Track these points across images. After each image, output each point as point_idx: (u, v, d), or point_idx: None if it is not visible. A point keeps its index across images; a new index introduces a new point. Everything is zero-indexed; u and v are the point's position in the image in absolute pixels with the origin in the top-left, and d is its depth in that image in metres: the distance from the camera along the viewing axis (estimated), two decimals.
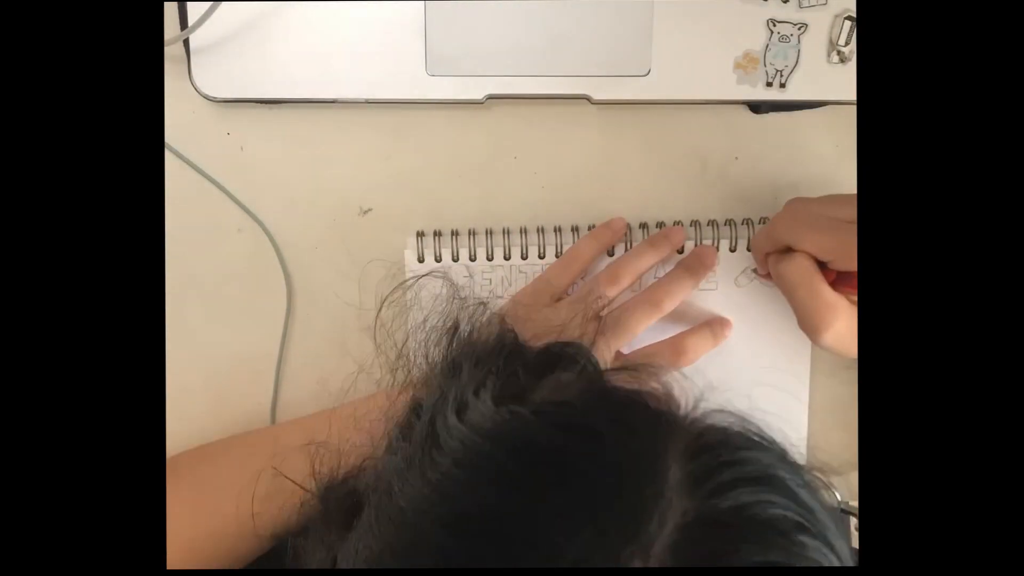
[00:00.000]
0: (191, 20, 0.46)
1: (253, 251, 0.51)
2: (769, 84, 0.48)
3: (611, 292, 0.48)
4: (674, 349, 0.48)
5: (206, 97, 0.48)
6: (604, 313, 0.48)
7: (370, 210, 0.51)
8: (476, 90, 0.48)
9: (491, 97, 0.48)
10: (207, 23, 0.46)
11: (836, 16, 0.48)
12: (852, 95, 0.48)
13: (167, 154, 0.49)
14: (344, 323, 0.52)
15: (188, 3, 0.46)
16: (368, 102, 0.49)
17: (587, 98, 0.48)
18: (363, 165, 0.51)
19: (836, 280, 0.44)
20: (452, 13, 0.47)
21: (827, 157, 0.51)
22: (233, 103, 0.49)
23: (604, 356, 0.47)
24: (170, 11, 0.47)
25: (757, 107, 0.50)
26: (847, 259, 0.42)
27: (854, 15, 0.47)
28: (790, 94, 0.48)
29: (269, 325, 0.52)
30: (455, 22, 0.47)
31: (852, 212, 0.42)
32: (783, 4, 0.47)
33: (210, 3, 0.45)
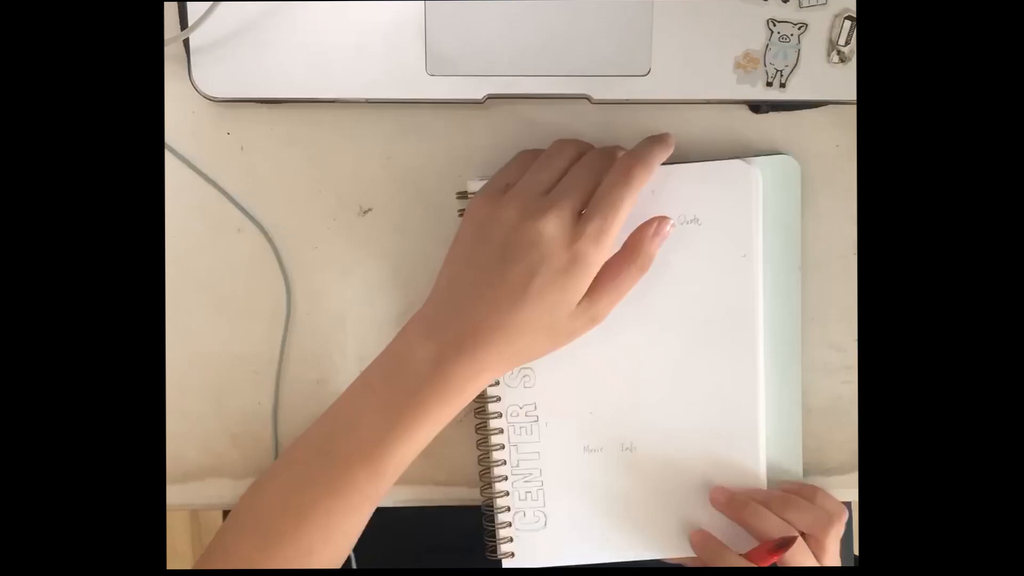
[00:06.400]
0: (191, 20, 0.46)
1: (253, 251, 0.51)
2: (769, 84, 0.48)
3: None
4: (632, 253, 0.46)
5: (206, 97, 0.48)
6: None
7: (370, 210, 0.51)
8: (476, 90, 0.48)
9: (491, 97, 0.48)
10: (207, 23, 0.46)
11: (836, 16, 0.48)
12: (852, 95, 0.48)
13: (167, 154, 0.49)
14: (344, 323, 0.52)
15: (188, 3, 0.46)
16: (368, 102, 0.49)
17: (587, 98, 0.48)
18: (363, 165, 0.51)
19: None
20: (452, 13, 0.47)
21: (827, 157, 0.51)
22: (233, 103, 0.49)
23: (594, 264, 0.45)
24: (170, 11, 0.47)
25: (757, 107, 0.50)
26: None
27: (854, 15, 0.47)
28: (790, 94, 0.48)
29: (269, 325, 0.52)
30: (455, 22, 0.47)
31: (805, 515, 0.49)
32: (783, 4, 0.47)
33: (210, 3, 0.45)
